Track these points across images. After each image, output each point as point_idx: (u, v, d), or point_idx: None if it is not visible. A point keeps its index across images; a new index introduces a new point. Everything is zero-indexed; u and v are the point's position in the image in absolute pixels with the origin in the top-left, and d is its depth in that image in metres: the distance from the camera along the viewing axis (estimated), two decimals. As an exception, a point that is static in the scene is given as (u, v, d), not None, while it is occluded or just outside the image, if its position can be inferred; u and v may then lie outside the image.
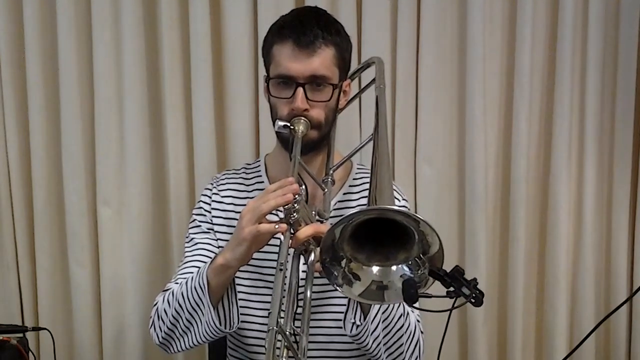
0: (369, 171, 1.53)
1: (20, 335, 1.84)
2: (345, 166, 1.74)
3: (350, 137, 2.11)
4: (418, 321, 1.63)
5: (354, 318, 1.50)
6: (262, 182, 1.76)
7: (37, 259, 2.22)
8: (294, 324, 1.35)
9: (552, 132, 2.12)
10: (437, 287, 1.26)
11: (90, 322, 2.22)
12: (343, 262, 1.30)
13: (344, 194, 1.73)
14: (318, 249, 1.31)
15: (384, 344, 1.55)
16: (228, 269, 1.47)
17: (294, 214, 1.39)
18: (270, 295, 1.61)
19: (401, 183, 2.11)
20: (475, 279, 1.21)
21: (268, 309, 1.31)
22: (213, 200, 1.75)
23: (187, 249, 1.73)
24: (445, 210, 2.19)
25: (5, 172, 2.19)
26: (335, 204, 1.71)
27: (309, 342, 1.52)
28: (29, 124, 2.17)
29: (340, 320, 1.53)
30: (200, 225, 1.74)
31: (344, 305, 1.54)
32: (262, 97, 2.05)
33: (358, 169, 1.78)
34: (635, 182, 2.15)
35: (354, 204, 1.72)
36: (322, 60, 1.57)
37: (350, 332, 1.50)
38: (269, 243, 1.46)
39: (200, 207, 1.76)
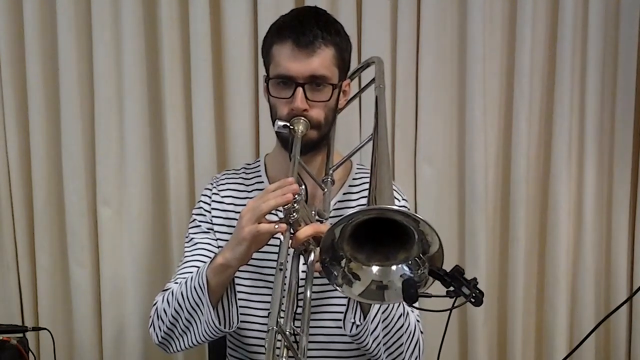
0: (369, 171, 1.53)
1: (20, 335, 1.84)
2: (345, 166, 1.73)
3: (350, 137, 2.11)
4: (418, 321, 1.63)
5: (354, 318, 1.50)
6: (262, 182, 1.76)
7: (37, 259, 2.22)
8: (293, 324, 1.35)
9: (552, 132, 2.12)
10: (437, 287, 1.26)
11: (90, 322, 2.22)
12: (343, 262, 1.30)
13: (344, 194, 1.73)
14: (318, 248, 1.31)
15: (384, 344, 1.55)
16: (228, 268, 1.47)
17: (294, 214, 1.39)
18: (270, 295, 1.61)
19: (401, 183, 2.11)
20: (475, 279, 1.21)
21: (268, 309, 1.31)
22: (213, 200, 1.75)
23: (186, 249, 1.73)
24: (445, 210, 2.19)
25: (5, 172, 2.19)
26: (335, 204, 1.71)
27: (309, 342, 1.52)
28: (29, 124, 2.17)
29: (340, 320, 1.53)
30: (200, 225, 1.74)
31: (344, 305, 1.54)
32: (262, 97, 2.05)
33: (358, 169, 1.78)
34: (635, 182, 2.15)
35: (353, 204, 1.72)
36: (321, 60, 1.57)
37: (350, 331, 1.50)
38: (268, 243, 1.46)
39: (200, 207, 1.76)
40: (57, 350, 2.01)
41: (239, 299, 1.57)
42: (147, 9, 2.13)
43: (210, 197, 1.76)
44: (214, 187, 1.77)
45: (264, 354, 1.58)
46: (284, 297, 1.35)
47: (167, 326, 1.59)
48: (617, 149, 2.12)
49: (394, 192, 1.69)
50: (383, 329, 1.53)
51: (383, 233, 1.28)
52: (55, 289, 2.24)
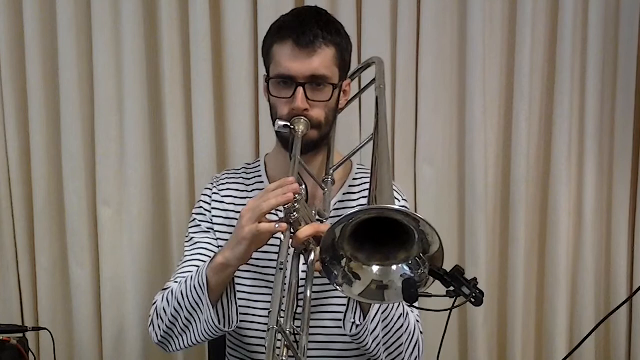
0: (369, 171, 1.53)
1: (20, 335, 1.84)
2: (345, 166, 1.74)
3: (350, 137, 2.11)
4: (418, 321, 1.63)
5: (354, 318, 1.50)
6: (262, 182, 1.76)
7: (37, 259, 2.22)
8: (294, 324, 1.35)
9: (552, 132, 2.12)
10: (437, 287, 1.26)
11: (90, 322, 2.22)
12: (343, 262, 1.30)
13: (344, 194, 1.73)
14: (318, 248, 1.31)
15: (384, 344, 1.55)
16: (228, 267, 1.47)
17: (294, 214, 1.39)
18: (270, 294, 1.61)
19: (401, 183, 2.11)
20: (475, 279, 1.21)
21: (268, 309, 1.31)
22: (213, 200, 1.75)
23: (186, 248, 1.73)
24: (445, 210, 2.19)
25: (5, 172, 2.19)
26: (335, 204, 1.71)
27: (309, 341, 1.51)
28: (29, 124, 2.17)
29: (340, 320, 1.53)
30: (200, 225, 1.74)
31: (344, 305, 1.54)
32: (262, 97, 2.05)
33: (358, 169, 1.78)
34: (635, 182, 2.15)
35: (353, 204, 1.72)
36: (322, 60, 1.57)
37: (350, 331, 1.50)
38: (269, 243, 1.46)
39: (201, 207, 1.76)
40: (57, 350, 2.01)
41: (239, 299, 1.57)
42: (147, 9, 2.13)
43: (210, 197, 1.76)
44: (214, 187, 1.77)
45: (264, 353, 1.59)
46: (284, 296, 1.35)
47: (166, 325, 1.59)
48: (617, 149, 2.12)
49: (394, 192, 1.69)
50: (383, 329, 1.53)
51: (383, 233, 1.28)
52: (55, 289, 2.24)
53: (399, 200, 1.75)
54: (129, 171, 2.16)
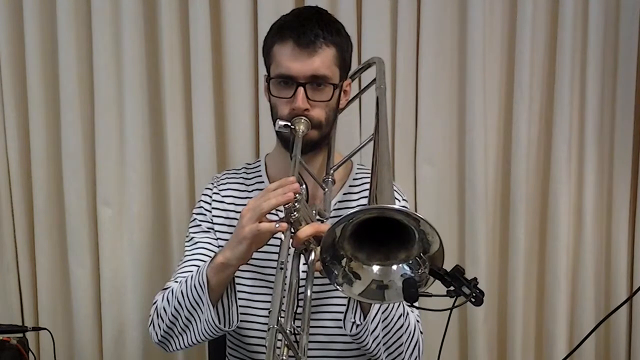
0: (369, 171, 1.53)
1: (20, 335, 1.84)
2: (346, 166, 1.74)
3: (350, 137, 2.11)
4: (418, 321, 1.63)
5: (354, 317, 1.50)
6: (262, 182, 1.76)
7: (37, 259, 2.22)
8: (294, 323, 1.35)
9: (552, 132, 2.12)
10: (437, 287, 1.26)
11: (90, 322, 2.22)
12: (343, 262, 1.30)
13: (344, 194, 1.73)
14: (318, 248, 1.31)
15: (384, 344, 1.55)
16: (228, 267, 1.47)
17: (295, 213, 1.39)
18: (271, 294, 1.61)
19: (401, 183, 2.12)
20: (475, 279, 1.21)
21: (268, 308, 1.31)
22: (213, 200, 1.75)
23: (187, 248, 1.73)
24: (445, 210, 2.19)
25: (5, 172, 2.19)
26: (336, 204, 1.71)
27: (309, 341, 1.52)
28: (29, 124, 2.17)
29: (340, 319, 1.54)
30: (200, 225, 1.74)
31: (344, 304, 1.54)
32: (262, 97, 2.05)
33: (358, 169, 1.78)
34: (635, 182, 2.15)
35: (354, 204, 1.72)
36: (322, 60, 1.57)
37: (350, 331, 1.50)
38: (269, 242, 1.46)
39: (201, 207, 1.76)
40: (57, 350, 2.01)
41: (240, 298, 1.57)
42: (147, 9, 2.13)
43: (210, 197, 1.76)
44: (215, 187, 1.77)
45: (264, 353, 1.59)
46: (284, 296, 1.35)
47: (166, 325, 1.59)
48: (617, 149, 2.12)
49: (395, 192, 1.69)
50: (383, 329, 1.53)
51: (384, 232, 1.28)
52: (55, 289, 2.24)
53: (399, 200, 1.75)
54: (129, 171, 2.16)
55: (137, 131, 2.15)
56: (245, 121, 2.14)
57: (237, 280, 1.57)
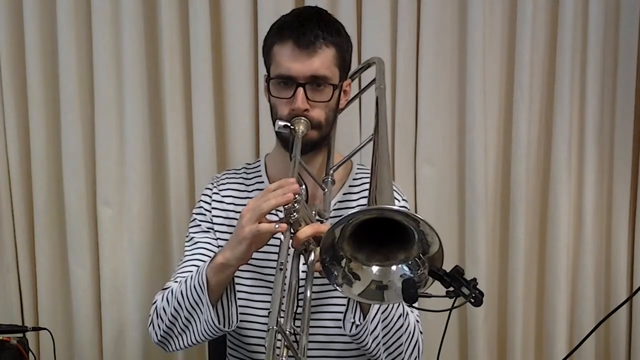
0: (369, 171, 1.53)
1: (20, 335, 1.84)
2: (345, 166, 1.74)
3: (350, 137, 2.11)
4: (417, 321, 1.63)
5: (354, 318, 1.50)
6: (262, 182, 1.76)
7: (37, 259, 2.22)
8: (294, 324, 1.35)
9: (552, 132, 2.12)
10: (437, 287, 1.26)
11: (90, 322, 2.22)
12: (343, 262, 1.30)
13: (344, 194, 1.73)
14: (318, 248, 1.31)
15: (383, 344, 1.55)
16: (228, 267, 1.47)
17: (294, 214, 1.39)
18: (270, 294, 1.61)
19: (401, 183, 2.12)
20: (475, 279, 1.21)
21: (268, 309, 1.31)
22: (213, 200, 1.75)
23: (186, 248, 1.73)
24: (445, 210, 2.19)
25: (5, 172, 2.19)
26: (335, 204, 1.71)
27: (309, 341, 1.52)
28: (29, 124, 2.17)
29: (340, 319, 1.54)
30: (200, 225, 1.74)
31: (344, 304, 1.54)
32: (262, 97, 2.05)
33: (358, 169, 1.78)
34: (635, 182, 2.14)
35: (353, 204, 1.72)
36: (322, 61, 1.57)
37: (350, 331, 1.50)
38: (269, 243, 1.46)
39: (201, 207, 1.76)
40: (57, 350, 2.01)
41: (239, 299, 1.57)
42: (147, 9, 2.13)
43: (210, 197, 1.76)
44: (215, 187, 1.77)
45: (264, 353, 1.59)
46: (284, 296, 1.35)
47: (166, 325, 1.59)
48: (617, 149, 2.12)
49: (394, 192, 1.69)
50: (383, 329, 1.53)
51: (383, 233, 1.28)
52: (55, 289, 2.24)
53: (398, 201, 1.75)
54: (129, 171, 2.16)
55: (137, 131, 2.15)
56: (245, 121, 2.14)
57: (236, 280, 1.57)
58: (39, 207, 2.19)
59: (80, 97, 2.14)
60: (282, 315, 1.29)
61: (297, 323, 1.38)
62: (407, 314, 1.58)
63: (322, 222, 1.49)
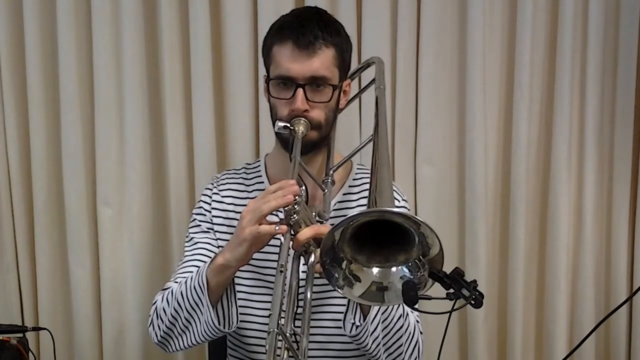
0: (369, 171, 1.52)
1: (20, 335, 1.84)
2: (345, 166, 1.74)
3: (350, 138, 2.11)
4: (417, 322, 1.63)
5: (354, 318, 1.50)
6: (262, 182, 1.76)
7: (37, 259, 2.22)
8: (294, 325, 1.35)
9: (552, 132, 2.12)
10: (437, 288, 1.26)
11: (90, 322, 2.22)
12: (343, 264, 1.30)
13: (344, 194, 1.73)
14: (318, 250, 1.31)
15: (384, 345, 1.55)
16: (228, 269, 1.47)
17: (294, 215, 1.39)
18: (271, 295, 1.61)
19: (401, 183, 2.12)
20: (475, 281, 1.21)
21: (268, 309, 1.31)
22: (213, 200, 1.75)
23: (186, 249, 1.73)
24: (445, 211, 2.19)
25: (5, 172, 2.19)
26: (335, 204, 1.71)
27: (309, 341, 1.52)
28: (29, 124, 2.17)
29: (340, 320, 1.53)
30: (200, 225, 1.74)
31: (344, 305, 1.54)
32: (262, 97, 2.05)
33: (358, 169, 1.78)
34: (635, 182, 2.14)
35: (353, 204, 1.72)
36: (322, 61, 1.57)
37: (350, 332, 1.50)
38: (269, 244, 1.46)
39: (201, 207, 1.76)
40: (57, 350, 2.01)
41: (239, 299, 1.57)
42: (147, 9, 2.13)
43: (210, 197, 1.76)
44: (215, 187, 1.77)
45: (264, 353, 1.59)
46: (284, 298, 1.35)
47: (166, 325, 1.59)
48: (617, 149, 2.12)
49: (394, 192, 1.69)
50: (383, 330, 1.53)
51: (383, 234, 1.28)
52: (55, 289, 2.24)
53: (398, 201, 1.74)
54: (129, 171, 2.16)
55: (137, 131, 2.15)
56: (245, 121, 2.14)
57: (236, 280, 1.57)
58: (39, 207, 2.19)
59: (80, 97, 2.14)
60: (282, 316, 1.29)
61: (297, 324, 1.38)
62: (407, 314, 1.58)
63: (322, 223, 1.49)
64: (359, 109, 2.12)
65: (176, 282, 1.62)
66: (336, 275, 1.29)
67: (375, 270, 1.30)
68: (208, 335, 1.54)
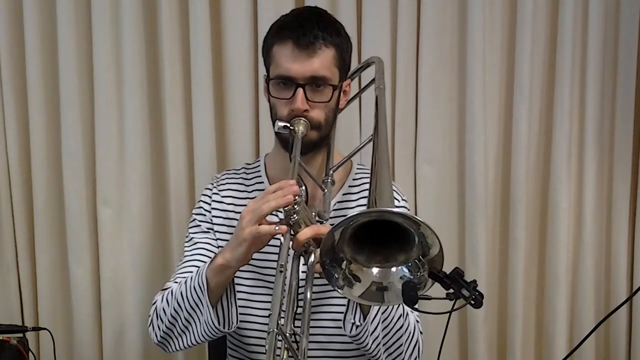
0: (369, 171, 1.52)
1: (20, 335, 1.84)
2: (345, 166, 1.73)
3: (350, 137, 2.11)
4: (417, 321, 1.63)
5: (354, 318, 1.50)
6: (262, 182, 1.76)
7: (37, 259, 2.22)
8: (294, 325, 1.35)
9: (552, 132, 2.12)
10: (437, 289, 1.26)
11: (90, 322, 2.22)
12: (343, 264, 1.30)
13: (344, 194, 1.73)
14: (318, 250, 1.31)
15: (384, 344, 1.55)
16: (227, 269, 1.47)
17: (294, 215, 1.39)
18: (270, 295, 1.61)
19: (401, 183, 2.12)
20: (474, 281, 1.21)
21: (268, 309, 1.31)
22: (213, 200, 1.75)
23: (186, 249, 1.73)
24: (445, 210, 2.19)
25: (5, 172, 2.19)
26: (335, 204, 1.71)
27: (309, 341, 1.52)
28: (29, 124, 2.17)
29: (340, 320, 1.53)
30: (200, 225, 1.74)
31: (344, 305, 1.54)
32: (262, 97, 2.05)
33: (358, 169, 1.78)
34: (635, 182, 2.15)
35: (353, 204, 1.72)
36: (322, 61, 1.57)
37: (350, 332, 1.50)
38: (269, 244, 1.46)
39: (200, 207, 1.76)
40: (57, 350, 2.01)
41: (239, 299, 1.57)
42: (147, 9, 2.13)
43: (210, 197, 1.76)
44: (214, 187, 1.77)
45: (264, 353, 1.59)
46: (284, 297, 1.35)
47: (166, 325, 1.59)
48: (617, 149, 2.12)
49: (394, 192, 1.69)
50: (383, 330, 1.53)
51: (383, 234, 1.28)
52: (55, 289, 2.24)
53: (398, 201, 1.74)
54: (129, 171, 2.16)
55: (137, 131, 2.15)
56: (245, 121, 2.14)
57: (236, 280, 1.57)
58: (39, 207, 2.19)
59: (80, 97, 2.14)
60: (282, 316, 1.29)
61: (297, 324, 1.38)
62: (407, 314, 1.58)
63: (322, 223, 1.49)
64: (359, 109, 2.12)
65: (176, 282, 1.62)
66: (336, 275, 1.29)
67: (375, 270, 1.30)
68: (208, 335, 1.54)
